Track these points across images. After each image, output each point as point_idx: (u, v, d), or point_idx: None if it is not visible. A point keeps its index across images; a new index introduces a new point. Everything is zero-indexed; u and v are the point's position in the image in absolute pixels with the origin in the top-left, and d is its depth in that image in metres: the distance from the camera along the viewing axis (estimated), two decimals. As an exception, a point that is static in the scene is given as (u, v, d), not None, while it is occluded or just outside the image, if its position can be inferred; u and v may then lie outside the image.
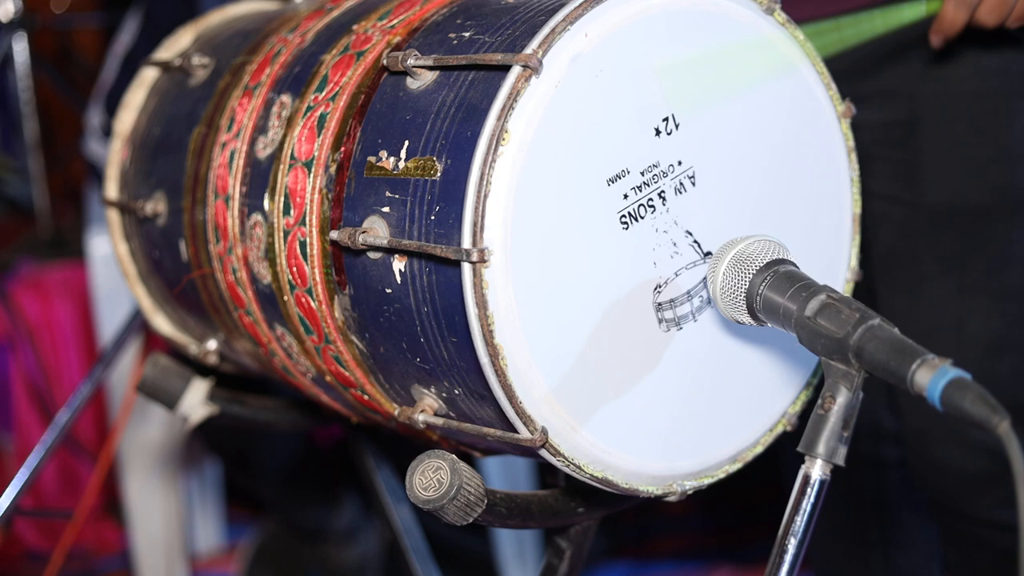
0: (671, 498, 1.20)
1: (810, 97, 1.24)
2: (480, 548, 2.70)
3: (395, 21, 1.25)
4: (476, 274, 1.05)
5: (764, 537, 2.96)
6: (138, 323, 1.78)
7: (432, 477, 1.13)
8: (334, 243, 1.16)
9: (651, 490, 1.19)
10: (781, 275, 1.08)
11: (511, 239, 1.05)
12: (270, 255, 1.26)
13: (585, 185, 1.10)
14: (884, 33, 1.36)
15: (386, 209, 1.14)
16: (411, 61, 1.15)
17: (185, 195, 1.39)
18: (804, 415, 1.28)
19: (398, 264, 1.13)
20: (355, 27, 1.28)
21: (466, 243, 1.05)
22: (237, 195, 1.30)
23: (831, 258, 1.28)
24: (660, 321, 1.16)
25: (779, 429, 1.28)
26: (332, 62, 1.26)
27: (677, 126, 1.14)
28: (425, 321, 1.13)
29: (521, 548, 2.66)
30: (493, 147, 1.05)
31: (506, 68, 1.07)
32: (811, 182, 1.25)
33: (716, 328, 1.20)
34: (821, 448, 1.02)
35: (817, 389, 1.28)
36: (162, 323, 1.56)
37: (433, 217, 1.10)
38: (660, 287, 1.15)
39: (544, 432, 1.10)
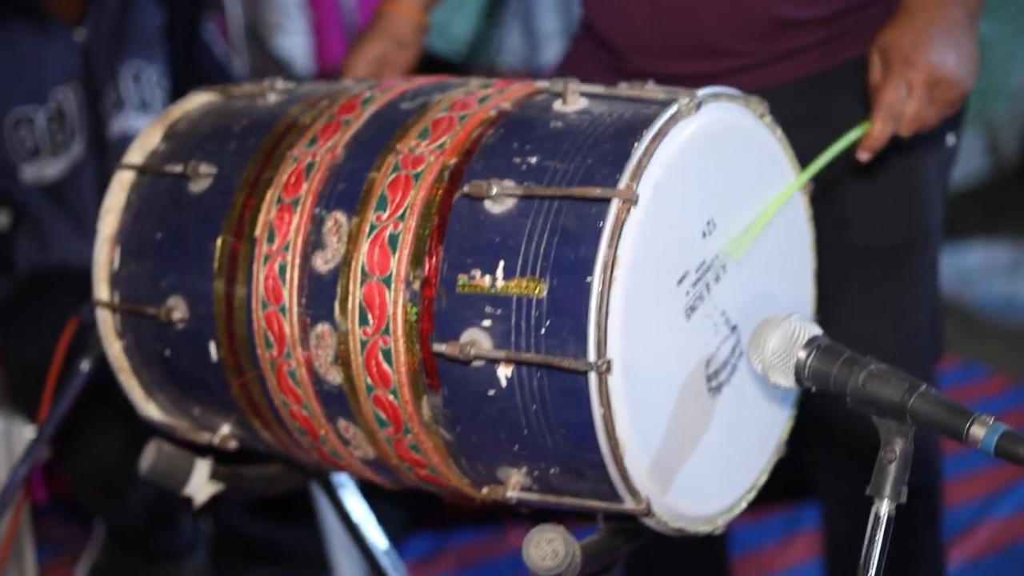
0: (716, 532, 1.43)
1: (786, 178, 1.48)
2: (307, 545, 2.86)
3: (442, 141, 1.39)
4: (602, 381, 1.24)
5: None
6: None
7: (547, 548, 1.32)
8: (440, 354, 1.31)
9: (705, 528, 1.42)
10: (824, 349, 1.32)
11: (625, 349, 1.25)
12: (342, 361, 1.39)
13: (663, 290, 1.30)
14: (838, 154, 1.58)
15: (487, 323, 1.30)
16: (496, 190, 1.30)
17: (216, 303, 1.48)
18: (789, 442, 1.55)
19: (504, 371, 1.30)
20: (398, 146, 1.41)
21: (591, 356, 1.24)
22: (295, 306, 1.41)
23: (803, 307, 1.54)
24: (710, 389, 1.38)
25: (776, 456, 1.53)
26: (387, 182, 1.39)
27: (715, 227, 1.36)
28: (531, 417, 1.30)
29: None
30: (609, 271, 1.24)
31: (603, 200, 1.26)
32: (791, 250, 1.51)
33: (737, 388, 1.43)
34: (888, 491, 1.27)
35: (796, 420, 1.56)
36: (154, 411, 1.64)
37: (543, 331, 1.27)
38: (710, 361, 1.38)
39: (648, 502, 1.31)
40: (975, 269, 4.07)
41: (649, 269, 1.27)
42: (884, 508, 1.28)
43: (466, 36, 3.87)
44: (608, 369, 1.23)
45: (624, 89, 1.40)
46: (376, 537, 1.82)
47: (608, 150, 1.30)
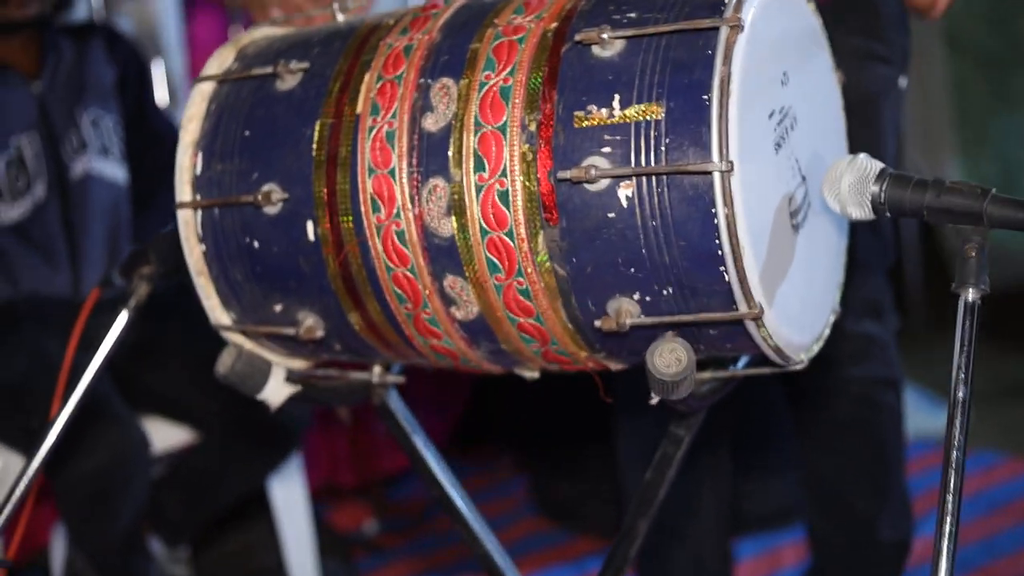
0: (799, 366, 1.55)
1: (827, 61, 1.67)
2: None
3: (539, 13, 1.53)
4: (724, 181, 1.37)
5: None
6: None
7: (671, 357, 1.42)
8: (562, 180, 1.43)
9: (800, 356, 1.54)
10: (894, 178, 1.49)
11: (740, 156, 1.39)
12: (456, 210, 1.49)
13: (762, 117, 1.45)
14: None
15: (606, 149, 1.42)
16: (607, 35, 1.45)
17: (316, 181, 1.56)
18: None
19: (624, 191, 1.42)
20: (495, 21, 1.54)
21: (715, 159, 1.37)
22: (405, 166, 1.51)
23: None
24: (792, 226, 1.53)
25: (833, 317, 1.67)
26: (491, 48, 1.51)
27: (788, 79, 1.53)
28: (651, 234, 1.42)
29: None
30: (726, 86, 1.38)
31: (710, 30, 1.41)
32: (833, 118, 1.69)
33: (808, 234, 1.58)
34: (973, 280, 1.42)
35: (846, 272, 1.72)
36: (227, 319, 1.69)
37: (663, 148, 1.40)
38: (791, 199, 1.52)
39: (760, 307, 1.43)
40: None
41: (753, 93, 1.42)
42: (971, 295, 1.42)
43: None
44: (731, 170, 1.37)
45: (697, -34, 1.57)
46: (428, 448, 1.87)
47: (702, 1, 1.46)
